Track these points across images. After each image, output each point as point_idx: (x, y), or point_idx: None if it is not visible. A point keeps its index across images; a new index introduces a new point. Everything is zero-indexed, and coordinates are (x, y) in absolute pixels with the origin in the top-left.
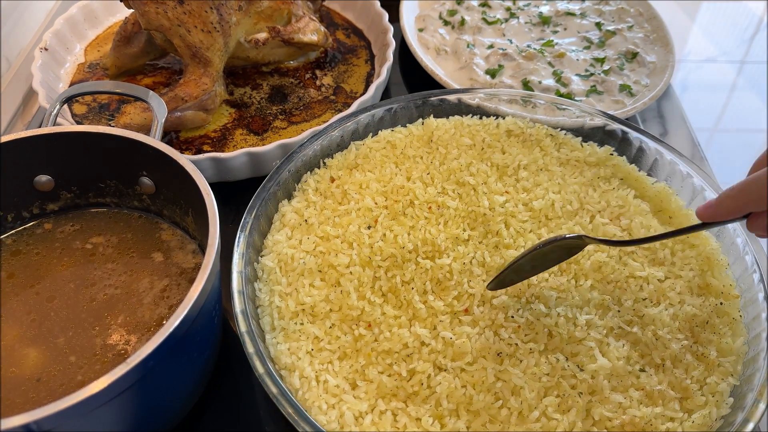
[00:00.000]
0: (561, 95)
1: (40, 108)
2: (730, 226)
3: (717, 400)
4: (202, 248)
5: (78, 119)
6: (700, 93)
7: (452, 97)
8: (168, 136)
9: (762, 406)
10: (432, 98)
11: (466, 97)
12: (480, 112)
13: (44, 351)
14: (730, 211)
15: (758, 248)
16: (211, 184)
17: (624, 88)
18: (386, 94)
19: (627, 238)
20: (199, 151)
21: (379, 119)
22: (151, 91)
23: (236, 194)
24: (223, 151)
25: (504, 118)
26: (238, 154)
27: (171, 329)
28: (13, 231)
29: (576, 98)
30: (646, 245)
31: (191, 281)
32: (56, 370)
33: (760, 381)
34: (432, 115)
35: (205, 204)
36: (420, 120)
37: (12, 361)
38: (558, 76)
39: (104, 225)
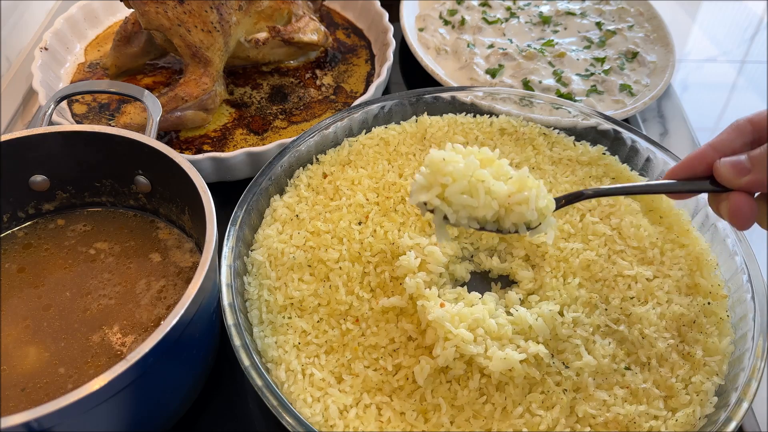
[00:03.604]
0: (561, 95)
1: (41, 108)
2: (720, 226)
3: (701, 399)
4: (199, 246)
5: (78, 119)
6: (701, 93)
7: (446, 95)
8: (168, 136)
9: (745, 405)
10: (426, 96)
11: (459, 95)
12: (475, 110)
13: (34, 359)
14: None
15: (747, 249)
16: (211, 185)
17: (624, 88)
18: (386, 93)
19: (616, 237)
20: (199, 151)
21: (373, 116)
22: (146, 90)
23: (236, 194)
24: (223, 151)
25: (498, 116)
26: (238, 153)
27: (170, 326)
28: (24, 225)
29: (576, 98)
30: (635, 245)
31: (188, 281)
32: (43, 382)
33: (744, 380)
34: (426, 113)
35: (201, 202)
36: (414, 117)
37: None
38: (558, 76)
39: (112, 229)
